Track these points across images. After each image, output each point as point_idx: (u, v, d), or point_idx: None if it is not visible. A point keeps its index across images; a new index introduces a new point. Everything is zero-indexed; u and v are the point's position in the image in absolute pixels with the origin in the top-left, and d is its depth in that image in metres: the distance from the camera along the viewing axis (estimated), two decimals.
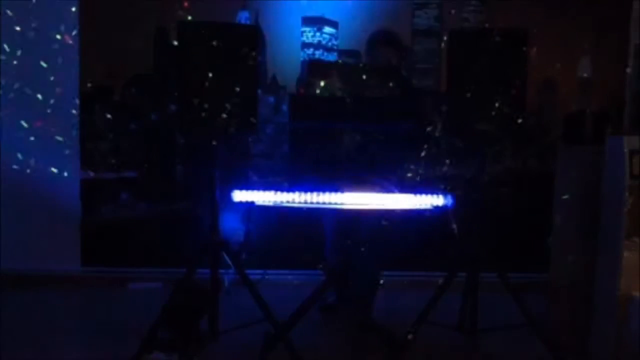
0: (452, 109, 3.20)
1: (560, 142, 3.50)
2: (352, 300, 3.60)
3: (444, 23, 4.53)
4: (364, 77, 3.57)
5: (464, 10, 4.54)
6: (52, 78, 4.35)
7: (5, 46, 4.30)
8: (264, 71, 4.42)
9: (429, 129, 4.44)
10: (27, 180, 4.39)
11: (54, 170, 4.40)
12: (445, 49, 3.96)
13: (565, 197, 3.33)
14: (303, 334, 3.44)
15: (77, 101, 4.40)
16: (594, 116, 3.40)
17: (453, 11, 4.54)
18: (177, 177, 4.54)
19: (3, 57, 4.30)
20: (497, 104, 3.02)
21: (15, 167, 4.38)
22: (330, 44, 4.48)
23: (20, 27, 4.31)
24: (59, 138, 4.39)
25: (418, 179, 4.47)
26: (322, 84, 3.17)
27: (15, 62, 4.33)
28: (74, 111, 4.39)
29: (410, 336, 3.03)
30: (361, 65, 3.83)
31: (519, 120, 3.09)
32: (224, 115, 2.96)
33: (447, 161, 4.53)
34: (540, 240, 3.74)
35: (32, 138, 4.37)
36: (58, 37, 4.34)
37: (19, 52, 4.33)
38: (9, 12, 4.28)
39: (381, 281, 3.76)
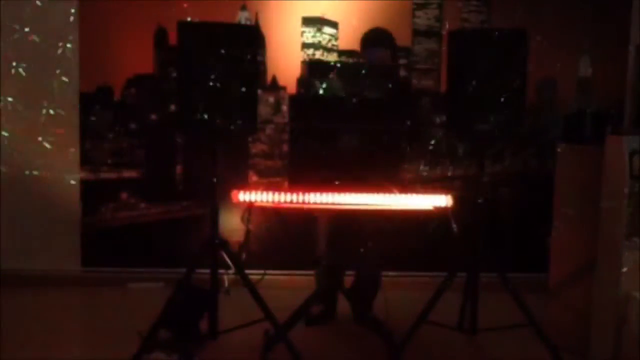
0: (452, 109, 3.20)
1: (560, 142, 3.50)
2: (352, 300, 3.60)
3: (444, 23, 4.52)
4: (364, 77, 3.56)
5: (464, 10, 4.53)
6: (51, 78, 4.35)
7: (6, 46, 4.31)
8: (264, 71, 4.42)
9: (428, 128, 4.44)
10: (27, 181, 4.39)
11: (54, 170, 4.40)
12: (445, 49, 3.96)
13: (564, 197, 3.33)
14: (303, 334, 3.44)
15: (77, 101, 4.40)
16: (594, 116, 3.40)
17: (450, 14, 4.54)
18: (177, 177, 4.53)
19: (3, 58, 4.30)
20: (496, 104, 3.02)
21: (15, 167, 4.38)
22: (330, 44, 4.47)
23: (20, 27, 4.31)
24: (59, 138, 4.39)
25: (418, 179, 4.48)
26: (322, 84, 3.17)
27: (14, 63, 4.33)
28: (74, 111, 4.39)
29: None
30: (360, 65, 3.82)
31: (519, 120, 3.09)
32: (224, 115, 2.96)
33: (447, 161, 4.53)
34: (540, 240, 3.74)
35: (32, 138, 4.37)
36: (58, 37, 4.35)
37: (19, 52, 4.33)
38: (8, 13, 4.28)
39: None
